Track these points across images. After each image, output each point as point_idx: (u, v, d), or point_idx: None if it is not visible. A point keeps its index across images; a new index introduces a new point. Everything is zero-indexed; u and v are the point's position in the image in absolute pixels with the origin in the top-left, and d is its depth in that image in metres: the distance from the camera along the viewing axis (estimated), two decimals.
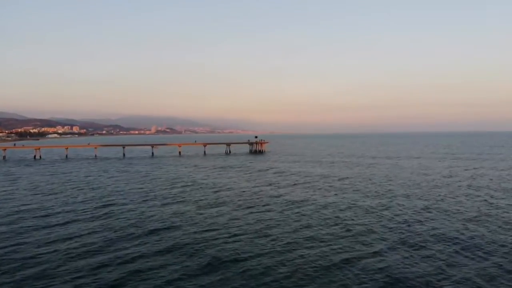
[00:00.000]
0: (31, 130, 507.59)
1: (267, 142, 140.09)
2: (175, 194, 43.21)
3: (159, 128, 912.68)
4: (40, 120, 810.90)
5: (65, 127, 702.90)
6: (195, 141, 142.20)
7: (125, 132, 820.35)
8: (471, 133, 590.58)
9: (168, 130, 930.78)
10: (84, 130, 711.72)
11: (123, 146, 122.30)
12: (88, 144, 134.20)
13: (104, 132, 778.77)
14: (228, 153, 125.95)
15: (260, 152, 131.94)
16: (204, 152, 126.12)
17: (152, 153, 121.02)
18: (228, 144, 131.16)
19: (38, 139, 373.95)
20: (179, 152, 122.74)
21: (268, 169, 69.73)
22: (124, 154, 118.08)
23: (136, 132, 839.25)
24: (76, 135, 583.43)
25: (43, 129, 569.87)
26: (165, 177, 60.19)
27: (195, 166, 79.11)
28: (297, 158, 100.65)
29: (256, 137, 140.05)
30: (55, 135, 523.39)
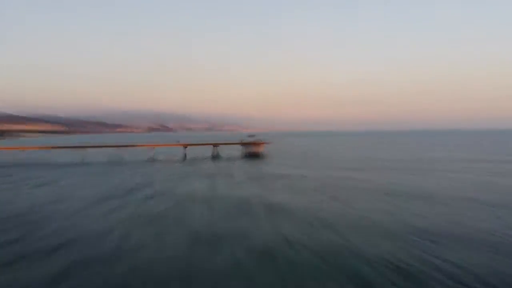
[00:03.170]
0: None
1: (266, 143, 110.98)
2: None
3: (151, 125, 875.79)
4: (23, 118, 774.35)
5: (46, 124, 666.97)
6: (178, 141, 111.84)
7: (110, 130, 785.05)
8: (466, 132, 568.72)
9: (160, 127, 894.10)
10: (66, 128, 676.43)
11: (72, 147, 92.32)
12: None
13: (87, 129, 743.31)
14: (215, 157, 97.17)
15: (257, 156, 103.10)
16: (185, 155, 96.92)
17: (115, 158, 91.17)
18: (215, 145, 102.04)
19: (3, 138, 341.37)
20: (152, 156, 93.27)
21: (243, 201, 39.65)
22: (83, 159, 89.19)
23: (123, 129, 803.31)
24: (49, 133, 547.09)
25: (13, 126, 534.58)
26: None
27: (148, 184, 49.52)
28: (307, 167, 72.28)
29: (251, 135, 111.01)
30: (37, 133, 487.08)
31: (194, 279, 18.32)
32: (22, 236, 25.67)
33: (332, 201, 35.70)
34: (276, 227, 26.63)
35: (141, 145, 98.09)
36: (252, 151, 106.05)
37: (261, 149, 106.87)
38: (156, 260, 20.68)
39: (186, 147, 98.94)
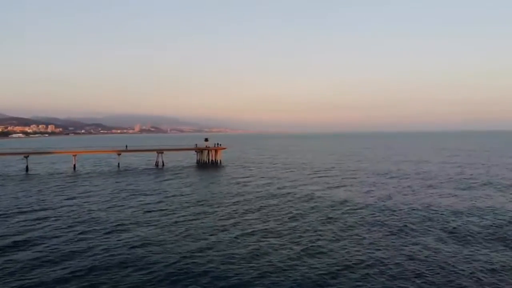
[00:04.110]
0: None
1: (224, 148, 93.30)
2: None
3: (144, 127, 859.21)
4: (17, 119, 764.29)
5: (40, 126, 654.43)
6: (126, 146, 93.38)
7: (106, 131, 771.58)
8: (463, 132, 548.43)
9: (153, 129, 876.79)
10: (60, 129, 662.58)
11: None
12: None
13: (83, 131, 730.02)
14: (159, 166, 79.82)
15: (214, 164, 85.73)
16: (118, 164, 79.41)
17: (27, 167, 73.60)
18: (160, 152, 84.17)
19: None
20: (74, 166, 75.78)
21: None
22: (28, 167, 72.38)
23: (119, 131, 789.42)
24: (47, 135, 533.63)
25: (9, 128, 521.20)
26: None
27: None
28: (258, 175, 54.57)
29: (206, 139, 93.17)
30: (20, 134, 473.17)
31: None
32: None
33: None
34: None
35: (59, 152, 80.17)
36: (209, 158, 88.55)
37: (218, 156, 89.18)
38: None
39: (119, 154, 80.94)
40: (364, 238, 25.40)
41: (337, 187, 48.67)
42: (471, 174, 59.63)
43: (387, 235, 26.11)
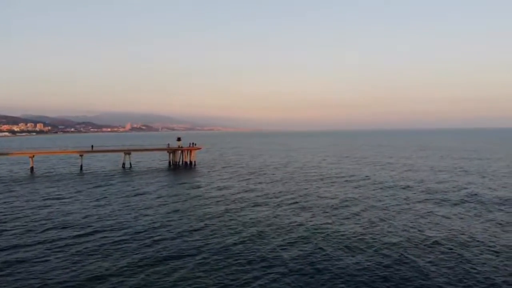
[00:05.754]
0: None
1: (199, 148, 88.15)
2: None
3: (135, 125, 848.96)
4: (6, 117, 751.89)
5: (28, 124, 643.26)
6: (92, 147, 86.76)
7: (96, 130, 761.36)
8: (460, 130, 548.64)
9: (144, 127, 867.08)
10: (48, 128, 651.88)
11: None
12: None
13: (72, 129, 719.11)
14: (126, 168, 74.62)
15: (187, 165, 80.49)
16: (81, 166, 73.91)
17: None
18: (127, 153, 78.67)
19: None
20: (31, 168, 70.23)
21: None
22: None
23: (109, 129, 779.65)
24: (34, 134, 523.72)
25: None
26: None
27: None
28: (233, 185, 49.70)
29: (179, 139, 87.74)
30: (6, 133, 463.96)
31: None
32: None
33: None
34: None
35: (15, 153, 74.25)
36: (182, 159, 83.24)
37: (193, 157, 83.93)
38: None
39: (82, 155, 75.27)
40: (284, 276, 20.15)
41: (294, 196, 43.88)
42: (440, 179, 55.28)
43: (312, 274, 21.26)
